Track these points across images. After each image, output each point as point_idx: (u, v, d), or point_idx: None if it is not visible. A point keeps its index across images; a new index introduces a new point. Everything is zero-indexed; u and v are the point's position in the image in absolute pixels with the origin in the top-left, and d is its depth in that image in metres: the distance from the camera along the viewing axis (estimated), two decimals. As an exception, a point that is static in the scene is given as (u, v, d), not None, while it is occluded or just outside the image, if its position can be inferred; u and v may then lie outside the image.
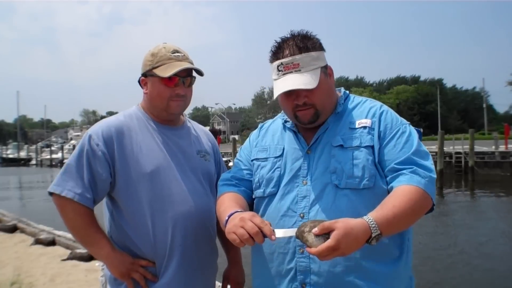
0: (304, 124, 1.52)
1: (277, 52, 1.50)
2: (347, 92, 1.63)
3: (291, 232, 1.26)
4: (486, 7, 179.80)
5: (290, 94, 1.48)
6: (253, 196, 1.61)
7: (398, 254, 1.43)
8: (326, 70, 1.52)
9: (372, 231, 1.20)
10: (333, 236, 1.14)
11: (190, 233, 1.70)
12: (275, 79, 1.50)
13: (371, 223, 1.20)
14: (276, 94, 1.48)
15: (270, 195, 1.53)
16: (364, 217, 1.23)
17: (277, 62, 1.48)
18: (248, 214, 1.30)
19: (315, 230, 1.16)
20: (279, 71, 1.48)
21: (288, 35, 1.51)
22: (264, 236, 1.23)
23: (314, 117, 1.49)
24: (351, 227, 1.16)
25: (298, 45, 1.47)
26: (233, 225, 1.28)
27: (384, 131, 1.46)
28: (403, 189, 1.33)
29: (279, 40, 1.51)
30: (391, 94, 64.82)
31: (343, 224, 1.16)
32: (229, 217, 1.35)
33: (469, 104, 72.96)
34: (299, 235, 1.21)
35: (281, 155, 1.56)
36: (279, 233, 1.26)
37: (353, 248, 1.18)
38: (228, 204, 1.48)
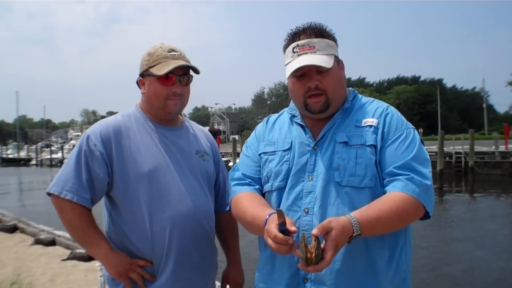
0: (314, 113, 1.51)
1: (294, 36, 1.53)
2: (356, 91, 1.64)
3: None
4: (486, 7, 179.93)
5: (302, 78, 1.49)
6: (263, 191, 1.60)
7: (388, 255, 1.43)
8: (339, 62, 1.55)
9: (354, 230, 1.25)
10: (333, 237, 1.19)
11: (188, 233, 1.69)
12: (289, 62, 1.50)
13: (354, 222, 1.25)
14: (289, 72, 1.48)
15: (278, 189, 1.52)
16: (347, 215, 1.27)
17: (293, 44, 1.50)
18: (271, 232, 1.24)
19: (316, 231, 1.19)
20: (294, 52, 1.49)
21: (305, 24, 1.54)
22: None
23: (324, 105, 1.49)
24: (343, 225, 1.23)
25: (315, 31, 1.51)
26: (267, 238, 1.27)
27: (388, 133, 1.47)
28: (395, 196, 1.35)
29: (295, 28, 1.54)
30: (392, 94, 64.80)
31: (337, 223, 1.22)
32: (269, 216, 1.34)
33: (469, 104, 72.86)
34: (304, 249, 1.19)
35: (290, 149, 1.56)
36: None
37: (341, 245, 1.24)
38: (256, 204, 1.48)
